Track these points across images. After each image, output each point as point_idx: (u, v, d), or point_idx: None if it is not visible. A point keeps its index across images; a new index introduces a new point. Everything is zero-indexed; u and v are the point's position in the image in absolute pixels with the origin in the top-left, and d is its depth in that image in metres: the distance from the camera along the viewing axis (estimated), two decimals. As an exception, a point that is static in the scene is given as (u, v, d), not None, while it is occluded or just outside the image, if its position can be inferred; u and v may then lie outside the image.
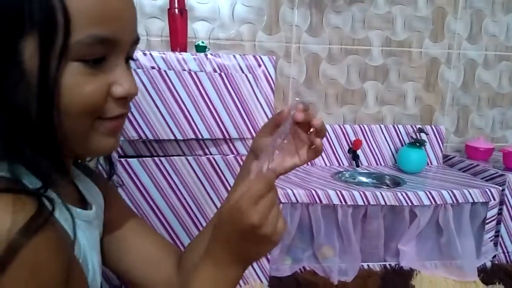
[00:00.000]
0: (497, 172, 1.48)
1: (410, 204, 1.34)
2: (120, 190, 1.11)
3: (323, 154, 1.66)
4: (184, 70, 1.13)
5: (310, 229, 1.36)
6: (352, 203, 1.32)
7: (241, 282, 1.27)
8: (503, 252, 1.49)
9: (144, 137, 1.10)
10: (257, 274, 1.29)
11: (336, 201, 1.31)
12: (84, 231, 0.47)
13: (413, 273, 1.38)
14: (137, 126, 1.09)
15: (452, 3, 1.72)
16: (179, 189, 1.17)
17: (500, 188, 1.42)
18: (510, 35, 1.79)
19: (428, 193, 1.34)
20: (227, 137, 1.17)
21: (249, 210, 0.43)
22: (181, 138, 1.13)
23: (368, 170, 1.63)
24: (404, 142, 1.71)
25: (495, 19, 1.76)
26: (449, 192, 1.36)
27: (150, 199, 1.16)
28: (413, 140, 1.62)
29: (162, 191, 1.16)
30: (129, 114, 1.06)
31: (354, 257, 1.35)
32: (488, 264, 1.46)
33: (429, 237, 1.42)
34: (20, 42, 0.37)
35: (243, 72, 1.17)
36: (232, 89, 1.15)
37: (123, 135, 1.09)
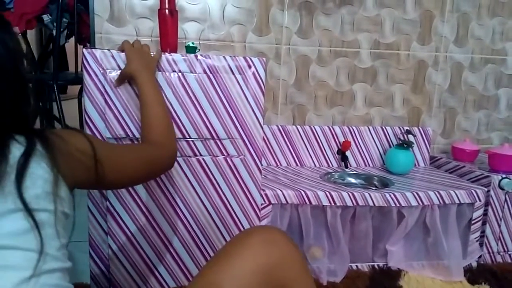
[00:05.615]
0: (483, 174, 1.50)
1: (398, 205, 1.36)
2: (110, 190, 1.10)
3: (312, 155, 1.67)
4: (174, 71, 1.12)
5: (300, 230, 1.36)
6: (341, 204, 1.33)
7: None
8: (488, 253, 1.51)
9: (131, 136, 1.09)
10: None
11: (325, 202, 1.32)
12: None
13: (401, 273, 1.39)
14: (124, 125, 1.08)
15: (439, 7, 1.74)
16: (168, 189, 1.17)
17: (486, 189, 1.45)
18: (496, 39, 1.83)
19: (415, 194, 1.36)
20: (217, 138, 1.17)
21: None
22: (171, 138, 1.12)
23: (356, 171, 1.64)
24: (392, 144, 1.73)
25: (481, 22, 1.80)
26: (436, 193, 1.37)
27: (138, 199, 1.15)
28: (400, 142, 1.64)
29: (151, 191, 1.15)
30: (117, 113, 1.06)
31: (343, 258, 1.36)
32: (474, 264, 1.48)
33: (417, 238, 1.43)
34: None
35: (233, 73, 1.17)
36: (222, 90, 1.15)
37: (111, 133, 1.08)
